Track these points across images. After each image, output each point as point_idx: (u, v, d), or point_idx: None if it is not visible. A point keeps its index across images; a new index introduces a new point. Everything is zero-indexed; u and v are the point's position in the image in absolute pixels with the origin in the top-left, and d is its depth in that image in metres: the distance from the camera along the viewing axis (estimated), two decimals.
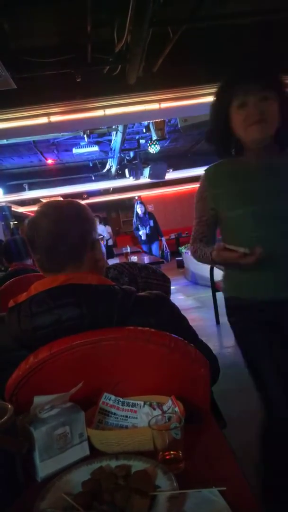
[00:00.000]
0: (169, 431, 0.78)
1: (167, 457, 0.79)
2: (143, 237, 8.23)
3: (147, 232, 8.20)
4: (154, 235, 8.30)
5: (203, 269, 5.97)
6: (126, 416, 0.94)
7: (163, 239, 8.68)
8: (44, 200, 10.75)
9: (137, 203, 8.42)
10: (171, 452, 0.79)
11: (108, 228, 12.26)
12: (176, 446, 0.79)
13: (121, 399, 0.95)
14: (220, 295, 4.16)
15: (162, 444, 0.79)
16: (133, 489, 0.68)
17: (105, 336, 0.91)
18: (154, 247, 8.38)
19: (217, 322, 4.33)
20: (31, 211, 12.37)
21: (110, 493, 0.68)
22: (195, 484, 0.71)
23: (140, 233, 8.25)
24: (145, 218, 8.27)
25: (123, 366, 0.96)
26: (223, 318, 4.27)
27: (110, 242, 12.13)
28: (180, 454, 0.79)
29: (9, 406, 0.76)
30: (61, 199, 1.22)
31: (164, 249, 8.66)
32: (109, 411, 0.94)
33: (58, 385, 0.87)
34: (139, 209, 8.30)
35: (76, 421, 0.82)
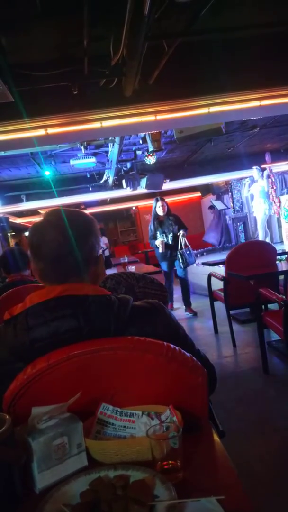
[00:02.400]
0: (167, 440, 0.78)
1: (166, 466, 0.79)
2: (161, 249, 5.44)
3: (169, 241, 5.45)
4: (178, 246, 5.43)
5: (201, 278, 5.98)
6: (124, 426, 0.94)
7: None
8: (42, 212, 10.79)
9: (156, 200, 5.70)
10: (170, 461, 0.79)
11: (105, 239, 12.29)
12: (174, 456, 0.79)
13: (119, 409, 0.95)
14: (218, 304, 4.18)
15: (160, 453, 0.79)
16: (131, 499, 0.68)
17: (102, 346, 0.91)
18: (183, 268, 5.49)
19: (216, 331, 4.33)
20: (29, 222, 12.39)
21: (109, 504, 0.68)
22: (193, 493, 0.71)
23: (158, 242, 5.45)
24: (168, 222, 5.56)
25: (121, 376, 0.96)
26: (222, 328, 4.27)
27: (107, 253, 12.14)
28: (179, 464, 0.79)
29: (7, 417, 0.76)
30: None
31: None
32: (107, 421, 0.94)
33: (56, 395, 0.87)
34: (159, 209, 5.61)
35: (74, 431, 0.82)
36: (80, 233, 1.02)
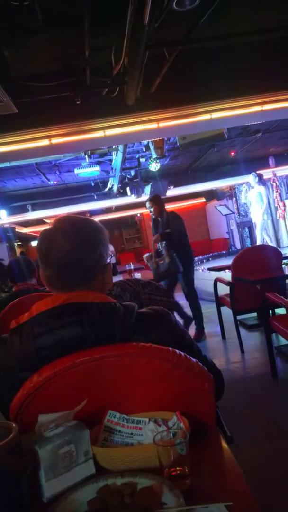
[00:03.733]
0: (174, 447, 0.78)
1: (173, 473, 0.78)
2: (150, 264, 4.37)
3: (161, 249, 4.26)
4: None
5: (208, 284, 5.96)
6: (132, 433, 0.94)
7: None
8: (48, 221, 10.84)
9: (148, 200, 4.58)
10: (177, 468, 0.78)
11: (111, 247, 12.32)
12: (182, 462, 0.78)
13: (126, 416, 0.95)
14: (225, 310, 4.16)
15: (167, 460, 0.78)
16: (139, 507, 0.67)
17: (108, 353, 0.91)
18: (182, 280, 4.42)
19: (223, 337, 4.30)
20: (35, 232, 12.46)
21: (116, 511, 0.68)
22: (201, 500, 0.70)
23: (145, 257, 4.47)
24: (162, 224, 4.49)
25: (127, 383, 0.96)
26: (229, 333, 4.25)
27: (113, 260, 12.16)
28: (186, 470, 0.78)
29: (14, 425, 0.76)
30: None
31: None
32: (114, 428, 0.94)
33: (63, 403, 0.87)
34: (150, 213, 4.60)
35: (81, 439, 0.82)
36: (89, 241, 1.02)
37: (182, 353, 0.95)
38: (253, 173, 7.23)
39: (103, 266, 1.06)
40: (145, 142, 6.46)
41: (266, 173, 9.88)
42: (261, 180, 7.20)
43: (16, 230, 11.00)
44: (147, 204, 4.58)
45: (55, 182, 9.01)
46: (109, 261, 1.09)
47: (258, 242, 7.45)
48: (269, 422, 2.47)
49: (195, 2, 2.77)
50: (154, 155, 6.48)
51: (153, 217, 4.64)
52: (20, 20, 2.45)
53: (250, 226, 9.76)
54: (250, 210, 7.52)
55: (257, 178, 7.14)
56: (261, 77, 3.89)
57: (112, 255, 12.05)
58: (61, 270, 1.00)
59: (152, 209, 4.52)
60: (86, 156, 6.66)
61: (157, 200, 4.58)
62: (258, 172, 7.55)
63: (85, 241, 1.01)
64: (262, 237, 7.47)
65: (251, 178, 7.21)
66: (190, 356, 0.97)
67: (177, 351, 0.95)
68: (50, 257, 1.00)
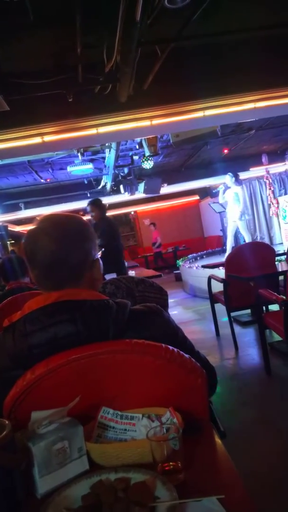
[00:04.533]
0: (167, 442, 0.78)
1: (167, 468, 0.79)
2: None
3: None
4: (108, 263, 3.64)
5: (201, 281, 5.99)
6: (125, 429, 0.94)
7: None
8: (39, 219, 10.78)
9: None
10: (170, 463, 0.79)
11: None
12: (175, 457, 0.79)
13: (119, 413, 0.96)
14: (219, 307, 4.18)
15: (161, 455, 0.79)
16: (133, 501, 0.68)
17: (101, 350, 0.92)
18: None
19: (217, 334, 4.33)
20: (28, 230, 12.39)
21: (110, 506, 0.68)
22: (195, 494, 0.71)
23: None
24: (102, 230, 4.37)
25: (121, 379, 0.97)
26: (223, 330, 4.27)
27: None
28: (179, 465, 0.79)
29: (7, 422, 0.76)
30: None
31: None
32: (108, 425, 0.94)
33: (56, 400, 0.88)
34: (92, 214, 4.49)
35: (75, 435, 0.82)
36: (74, 239, 1.02)
37: (175, 349, 0.95)
38: (229, 173, 7.20)
39: (91, 263, 1.05)
40: (138, 139, 6.46)
41: (260, 170, 9.93)
42: (237, 180, 7.15)
43: (9, 228, 10.95)
44: (88, 208, 4.48)
45: (48, 180, 8.98)
46: (98, 256, 1.09)
47: (228, 244, 7.40)
48: (263, 418, 2.49)
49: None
50: (147, 153, 6.47)
51: (93, 222, 4.55)
52: (11, 17, 2.44)
53: None
54: (226, 210, 7.46)
55: (233, 178, 7.10)
56: (253, 74, 3.90)
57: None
58: (48, 270, 1.00)
59: (93, 214, 4.50)
60: (79, 154, 6.64)
61: (98, 204, 4.50)
62: (237, 173, 7.51)
63: (69, 239, 1.01)
64: (232, 239, 7.40)
65: (227, 178, 7.18)
66: (183, 352, 0.97)
67: (170, 347, 0.95)
68: (36, 258, 1.00)
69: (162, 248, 12.91)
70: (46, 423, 0.81)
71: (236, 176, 7.14)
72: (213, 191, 8.00)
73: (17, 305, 1.63)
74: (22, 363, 0.93)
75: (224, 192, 7.41)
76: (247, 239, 7.36)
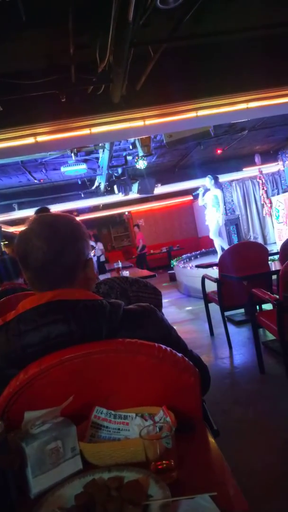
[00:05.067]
0: (160, 440, 0.79)
1: (160, 466, 0.79)
2: None
3: None
4: None
5: (195, 281, 6.00)
6: (119, 429, 0.94)
7: None
8: None
9: None
10: (163, 461, 0.79)
11: (100, 245, 12.27)
12: (168, 455, 0.79)
13: (112, 412, 0.96)
14: (213, 306, 4.19)
15: (154, 454, 0.79)
16: (126, 500, 0.68)
17: (94, 350, 0.92)
18: None
19: (211, 333, 4.34)
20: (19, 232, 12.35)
21: (103, 505, 0.68)
22: (187, 491, 0.72)
23: None
24: None
25: (114, 379, 0.97)
26: (217, 330, 4.28)
27: (102, 259, 12.12)
28: (172, 463, 0.79)
29: (0, 423, 0.76)
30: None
31: None
32: (101, 424, 0.94)
33: (50, 401, 0.88)
34: None
35: (68, 435, 0.82)
36: (65, 239, 1.01)
37: (168, 348, 0.96)
38: (209, 175, 7.18)
39: (84, 262, 1.05)
40: (131, 140, 6.46)
41: (253, 171, 9.98)
42: (217, 183, 7.12)
43: (3, 229, 10.90)
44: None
45: (42, 181, 8.95)
46: (91, 256, 1.09)
47: (217, 246, 7.38)
48: (257, 417, 2.50)
49: (179, 0, 2.78)
50: (140, 153, 6.48)
51: None
52: (3, 18, 2.43)
53: (238, 224, 9.84)
54: (205, 213, 7.42)
55: (213, 180, 7.06)
56: (246, 75, 3.93)
57: (102, 253, 12.03)
58: (40, 271, 1.00)
59: None
60: (73, 154, 6.63)
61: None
62: (215, 175, 7.48)
63: (60, 240, 1.00)
64: (218, 241, 7.37)
65: (207, 180, 7.15)
66: (177, 351, 0.98)
67: (163, 346, 0.96)
68: (28, 260, 0.99)
69: (146, 250, 12.54)
70: (39, 423, 0.81)
71: (215, 179, 7.11)
72: (193, 194, 7.87)
73: (11, 305, 1.62)
74: (15, 363, 0.93)
75: (203, 195, 7.37)
76: (219, 245, 7.28)
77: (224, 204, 9.90)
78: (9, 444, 0.78)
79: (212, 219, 7.13)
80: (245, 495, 0.73)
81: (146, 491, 0.71)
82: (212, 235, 7.29)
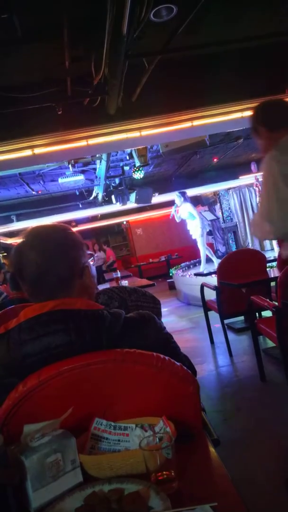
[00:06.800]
0: (160, 451, 0.78)
1: (160, 477, 0.79)
2: None
3: None
4: None
5: (194, 289, 5.99)
6: (119, 440, 0.94)
7: None
8: None
9: None
10: (164, 472, 0.79)
11: (102, 254, 12.23)
12: (168, 466, 0.79)
13: (112, 423, 0.95)
14: (212, 314, 4.19)
15: (154, 464, 0.79)
16: None
17: (92, 360, 0.92)
18: None
19: (211, 341, 4.32)
20: (15, 245, 12.37)
21: None
22: (188, 502, 0.71)
23: None
24: None
25: (113, 389, 0.97)
26: (217, 337, 4.27)
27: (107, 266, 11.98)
28: (173, 474, 0.79)
29: None
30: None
31: None
32: (101, 436, 0.94)
33: (49, 412, 0.87)
34: None
35: (68, 447, 0.82)
36: (59, 249, 1.02)
37: (166, 358, 0.96)
38: (176, 193, 7.32)
39: (80, 270, 1.05)
40: (128, 150, 6.50)
41: (249, 178, 10.02)
42: (186, 199, 7.24)
43: (1, 241, 10.90)
44: None
45: (39, 192, 8.98)
46: (87, 263, 1.09)
47: (202, 256, 7.45)
48: (259, 425, 2.49)
49: (172, 13, 2.82)
50: (137, 163, 6.52)
51: None
52: None
53: (235, 231, 9.87)
54: (188, 228, 7.55)
55: (182, 197, 7.19)
56: (240, 84, 3.97)
57: (114, 259, 12.04)
58: (36, 283, 1.01)
59: None
60: (70, 165, 6.66)
61: None
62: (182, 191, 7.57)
63: (54, 250, 1.01)
64: (204, 250, 7.44)
65: (176, 198, 7.28)
66: (176, 360, 0.98)
67: (161, 355, 0.96)
68: (24, 272, 1.00)
69: (137, 261, 12.38)
70: (39, 436, 0.81)
71: (183, 194, 7.25)
72: (170, 217, 8.01)
73: (14, 315, 1.61)
74: (15, 372, 0.94)
75: (178, 212, 7.47)
76: (203, 254, 7.36)
77: (222, 212, 9.96)
78: (9, 458, 0.77)
79: (194, 228, 7.26)
80: (246, 504, 0.73)
81: (147, 502, 0.71)
82: (199, 244, 7.38)
